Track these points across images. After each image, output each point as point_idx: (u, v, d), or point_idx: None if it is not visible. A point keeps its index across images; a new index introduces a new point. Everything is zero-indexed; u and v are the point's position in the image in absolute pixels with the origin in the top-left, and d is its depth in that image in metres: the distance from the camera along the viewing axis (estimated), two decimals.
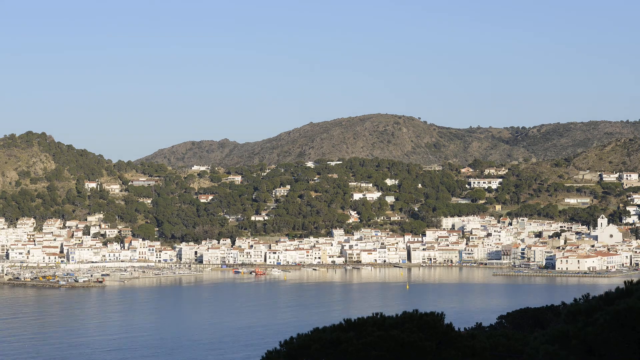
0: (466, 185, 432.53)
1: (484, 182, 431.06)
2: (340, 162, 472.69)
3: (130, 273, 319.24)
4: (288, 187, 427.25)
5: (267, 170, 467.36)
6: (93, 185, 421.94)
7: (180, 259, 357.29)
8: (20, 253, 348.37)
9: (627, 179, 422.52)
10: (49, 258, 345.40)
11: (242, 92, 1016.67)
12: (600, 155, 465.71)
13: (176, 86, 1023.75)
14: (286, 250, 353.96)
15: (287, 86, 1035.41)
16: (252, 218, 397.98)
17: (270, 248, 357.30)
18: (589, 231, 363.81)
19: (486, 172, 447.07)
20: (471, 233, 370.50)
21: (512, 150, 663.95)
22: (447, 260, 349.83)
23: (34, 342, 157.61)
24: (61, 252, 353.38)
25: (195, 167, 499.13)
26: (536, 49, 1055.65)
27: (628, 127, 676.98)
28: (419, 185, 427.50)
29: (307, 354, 28.34)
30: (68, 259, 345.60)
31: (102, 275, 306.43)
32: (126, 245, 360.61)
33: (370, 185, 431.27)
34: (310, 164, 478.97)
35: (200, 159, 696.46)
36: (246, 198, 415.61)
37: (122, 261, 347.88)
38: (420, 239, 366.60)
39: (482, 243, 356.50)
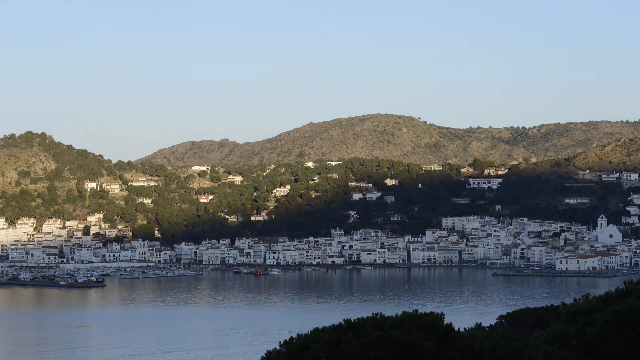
0: (466, 185, 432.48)
1: (484, 182, 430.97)
2: (340, 162, 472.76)
3: (130, 273, 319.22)
4: (288, 187, 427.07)
5: (267, 170, 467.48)
6: (93, 185, 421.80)
7: (180, 259, 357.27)
8: (20, 253, 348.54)
9: (627, 179, 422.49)
10: (49, 258, 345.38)
11: (242, 92, 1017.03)
12: (600, 155, 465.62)
13: (176, 86, 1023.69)
14: (286, 250, 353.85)
15: (287, 86, 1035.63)
16: (252, 218, 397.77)
17: (269, 248, 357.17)
18: (589, 231, 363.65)
19: (486, 172, 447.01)
20: (471, 233, 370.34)
21: (512, 150, 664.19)
22: (447, 260, 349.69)
23: (33, 342, 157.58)
24: (61, 252, 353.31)
25: (195, 167, 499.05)
26: (536, 50, 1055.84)
27: (628, 127, 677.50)
28: (419, 185, 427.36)
29: (307, 354, 28.36)
30: (68, 259, 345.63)
31: (101, 275, 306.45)
32: (126, 245, 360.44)
33: (370, 185, 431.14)
34: (310, 164, 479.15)
35: (200, 159, 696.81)
36: (246, 198, 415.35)
37: (121, 261, 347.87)
38: (420, 239, 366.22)
39: (482, 243, 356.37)
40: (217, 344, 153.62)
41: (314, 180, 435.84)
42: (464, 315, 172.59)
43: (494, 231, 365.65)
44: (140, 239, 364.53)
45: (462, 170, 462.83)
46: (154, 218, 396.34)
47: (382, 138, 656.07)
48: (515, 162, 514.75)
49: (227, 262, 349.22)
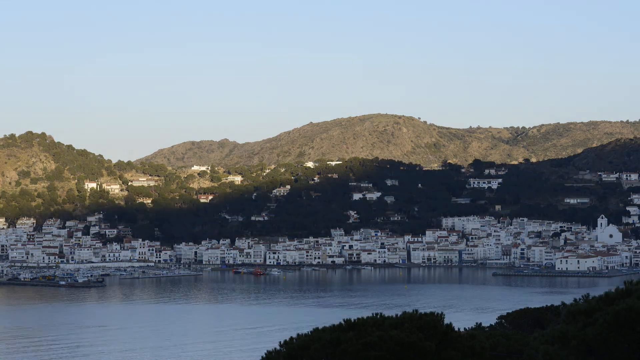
0: (466, 185, 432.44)
1: (484, 182, 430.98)
2: (340, 162, 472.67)
3: (130, 273, 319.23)
4: (288, 187, 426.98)
5: (267, 170, 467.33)
6: (93, 185, 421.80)
7: (180, 259, 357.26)
8: (20, 253, 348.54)
9: (627, 179, 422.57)
10: (49, 258, 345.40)
11: (242, 92, 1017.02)
12: (600, 155, 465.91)
13: (176, 86, 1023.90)
14: (286, 250, 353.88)
15: (287, 86, 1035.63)
16: (252, 218, 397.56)
17: (270, 248, 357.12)
18: (589, 231, 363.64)
19: (486, 172, 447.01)
20: (471, 233, 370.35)
21: (512, 150, 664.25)
22: (447, 261, 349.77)
23: (32, 342, 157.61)
24: (61, 252, 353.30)
25: (195, 167, 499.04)
26: (536, 49, 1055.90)
27: (628, 127, 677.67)
28: (419, 185, 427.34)
29: (307, 354, 28.35)
30: (68, 259, 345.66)
31: (101, 275, 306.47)
32: (126, 245, 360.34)
33: (370, 185, 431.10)
34: (310, 164, 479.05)
35: (200, 159, 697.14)
36: (246, 198, 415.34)
37: (121, 261, 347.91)
38: (420, 239, 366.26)
39: (482, 243, 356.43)
40: (217, 344, 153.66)
41: (314, 180, 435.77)
42: (464, 315, 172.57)
43: (494, 231, 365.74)
44: (140, 239, 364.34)
45: (462, 170, 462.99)
46: (154, 218, 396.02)
47: (382, 138, 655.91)
48: (515, 162, 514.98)
49: (227, 262, 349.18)
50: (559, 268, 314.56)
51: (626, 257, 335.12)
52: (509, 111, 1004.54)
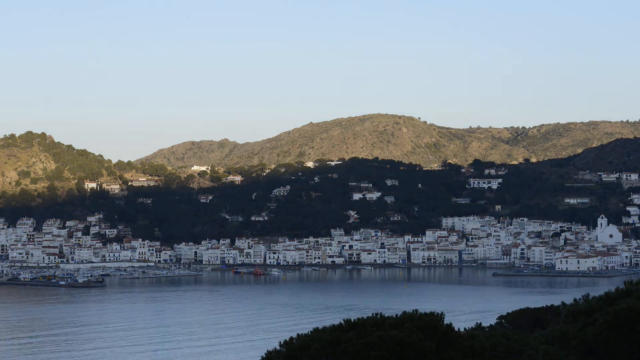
0: (466, 185, 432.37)
1: (484, 182, 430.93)
2: (340, 162, 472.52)
3: (130, 273, 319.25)
4: (288, 187, 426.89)
5: (267, 170, 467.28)
6: (93, 185, 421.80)
7: (180, 259, 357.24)
8: (20, 253, 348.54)
9: (627, 179, 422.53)
10: (49, 258, 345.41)
11: (242, 92, 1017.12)
12: (600, 155, 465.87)
13: (176, 86, 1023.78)
14: (286, 250, 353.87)
15: (287, 86, 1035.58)
16: (252, 218, 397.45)
17: (270, 248, 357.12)
18: (589, 231, 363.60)
19: (486, 172, 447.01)
20: (471, 233, 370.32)
21: (512, 150, 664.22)
22: (447, 261, 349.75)
23: (32, 343, 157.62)
24: (61, 252, 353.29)
25: (195, 167, 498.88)
26: (535, 49, 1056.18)
27: (628, 127, 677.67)
28: (419, 185, 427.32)
29: (307, 354, 28.35)
30: (68, 259, 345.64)
31: (101, 275, 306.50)
32: (126, 245, 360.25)
33: (370, 185, 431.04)
34: (310, 164, 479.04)
35: (200, 159, 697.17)
36: (246, 198, 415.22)
37: (121, 261, 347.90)
38: (420, 239, 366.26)
39: (482, 243, 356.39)
40: (217, 344, 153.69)
41: (314, 180, 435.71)
42: (464, 315, 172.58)
43: (494, 231, 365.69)
44: (140, 239, 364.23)
45: (462, 170, 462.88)
46: (154, 218, 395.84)
47: (382, 138, 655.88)
48: (515, 162, 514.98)
49: (227, 262, 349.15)
50: (559, 268, 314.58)
51: (626, 257, 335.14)
52: (509, 111, 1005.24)
